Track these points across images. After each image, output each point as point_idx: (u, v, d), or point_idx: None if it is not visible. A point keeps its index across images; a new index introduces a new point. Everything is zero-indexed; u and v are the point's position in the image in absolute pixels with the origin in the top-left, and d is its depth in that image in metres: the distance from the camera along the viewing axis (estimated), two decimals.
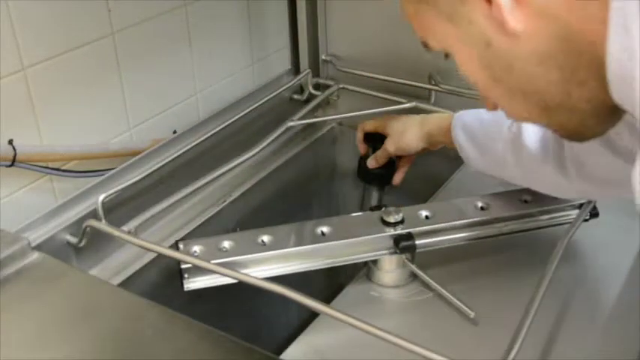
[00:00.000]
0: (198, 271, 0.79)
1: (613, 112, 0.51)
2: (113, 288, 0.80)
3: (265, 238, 0.83)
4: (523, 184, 0.87)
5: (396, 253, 0.84)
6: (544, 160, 0.79)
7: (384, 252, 0.84)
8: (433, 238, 0.86)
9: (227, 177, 1.04)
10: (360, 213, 0.91)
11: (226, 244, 0.82)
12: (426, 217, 0.86)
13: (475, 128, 0.88)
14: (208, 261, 0.77)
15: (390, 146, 1.00)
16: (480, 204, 0.88)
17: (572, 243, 0.80)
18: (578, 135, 0.55)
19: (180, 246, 0.82)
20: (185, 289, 0.80)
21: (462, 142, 0.89)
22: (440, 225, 0.86)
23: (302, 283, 0.80)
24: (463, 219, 0.86)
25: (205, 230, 1.02)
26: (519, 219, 0.88)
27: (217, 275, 0.78)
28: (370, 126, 1.04)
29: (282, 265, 0.82)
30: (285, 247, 0.82)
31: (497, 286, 0.85)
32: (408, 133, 0.97)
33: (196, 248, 0.82)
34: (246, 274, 0.75)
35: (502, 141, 0.83)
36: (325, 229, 0.85)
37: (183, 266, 0.78)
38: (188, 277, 0.79)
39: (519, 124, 0.80)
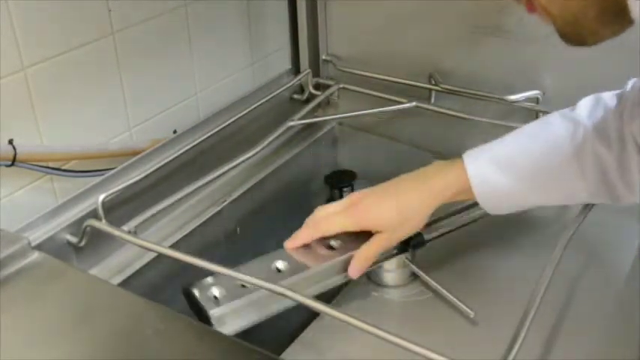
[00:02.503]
0: (227, 316, 0.73)
1: (618, 14, 0.50)
2: (113, 288, 0.80)
3: (280, 265, 0.78)
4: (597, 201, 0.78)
5: (400, 253, 0.83)
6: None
7: (392, 253, 0.84)
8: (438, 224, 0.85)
9: (227, 177, 1.04)
10: None
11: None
12: None
13: (514, 157, 0.75)
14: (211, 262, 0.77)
15: (387, 242, 0.77)
16: None
17: (572, 243, 0.80)
18: (575, 25, 0.54)
19: (196, 293, 0.73)
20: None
21: (503, 184, 0.74)
22: (441, 215, 0.85)
23: None
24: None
25: (205, 230, 1.02)
26: None
27: (247, 313, 0.74)
28: (337, 228, 0.78)
29: (303, 289, 0.76)
30: (303, 271, 0.77)
31: (498, 286, 0.85)
32: (414, 213, 0.76)
33: (216, 292, 0.74)
34: (246, 276, 0.74)
35: (572, 154, 0.74)
36: (334, 242, 0.80)
37: (213, 313, 0.71)
38: (218, 325, 0.73)
39: (583, 128, 0.73)
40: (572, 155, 0.73)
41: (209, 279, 0.75)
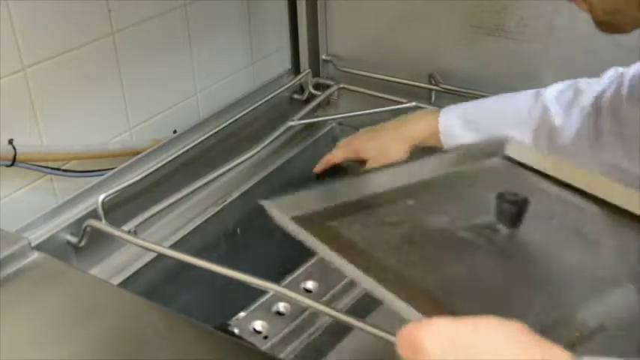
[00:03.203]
0: (276, 348, 0.72)
1: None
2: (113, 288, 0.80)
3: (309, 285, 0.78)
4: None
5: None
6: (579, 135, 0.79)
7: None
8: None
9: (227, 177, 1.04)
10: None
11: (281, 306, 0.75)
12: None
13: (478, 117, 0.88)
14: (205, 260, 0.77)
15: (367, 165, 0.93)
16: None
17: None
18: (615, 14, 0.55)
19: (237, 331, 0.74)
20: None
21: (460, 134, 0.88)
22: None
23: None
24: None
25: (205, 230, 1.02)
26: None
27: (293, 340, 0.73)
28: (340, 155, 0.99)
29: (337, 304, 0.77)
30: (332, 288, 0.78)
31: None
32: (390, 150, 0.92)
33: (256, 326, 0.74)
34: (240, 274, 0.74)
35: (526, 126, 0.83)
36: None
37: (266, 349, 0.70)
38: None
39: (542, 106, 0.82)
40: (526, 120, 0.84)
41: (242, 314, 0.74)
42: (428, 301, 0.53)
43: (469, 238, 0.61)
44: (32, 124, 0.86)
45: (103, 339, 0.66)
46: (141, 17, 0.97)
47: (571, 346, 0.48)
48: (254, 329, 0.72)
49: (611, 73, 0.81)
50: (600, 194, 0.67)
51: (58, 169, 0.90)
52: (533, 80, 1.05)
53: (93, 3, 0.90)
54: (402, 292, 0.51)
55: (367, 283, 0.51)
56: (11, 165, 0.83)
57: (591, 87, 0.81)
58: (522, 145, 0.72)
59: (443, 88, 1.14)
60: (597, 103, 0.79)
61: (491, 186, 0.70)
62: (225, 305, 1.02)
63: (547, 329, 0.51)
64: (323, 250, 0.54)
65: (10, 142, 0.83)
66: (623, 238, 0.64)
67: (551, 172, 0.69)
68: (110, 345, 0.66)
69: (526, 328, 0.45)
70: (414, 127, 0.93)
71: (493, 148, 0.73)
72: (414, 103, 1.14)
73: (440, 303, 0.53)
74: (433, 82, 1.15)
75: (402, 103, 1.16)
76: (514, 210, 0.62)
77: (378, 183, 0.66)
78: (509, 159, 0.73)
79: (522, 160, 0.71)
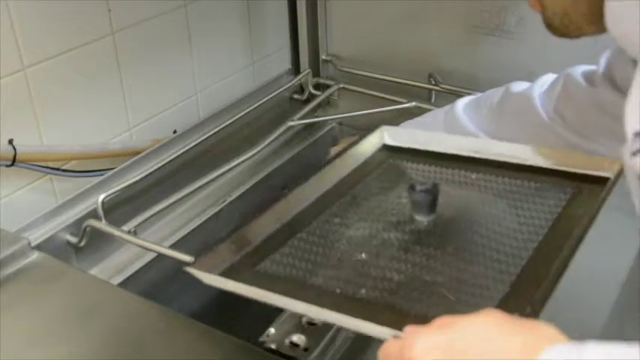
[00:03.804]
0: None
1: (602, 17, 0.54)
2: (113, 288, 0.80)
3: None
4: None
5: None
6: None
7: None
8: None
9: (227, 177, 1.04)
10: None
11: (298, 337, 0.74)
12: None
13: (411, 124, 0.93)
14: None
15: None
16: None
17: None
18: (562, 17, 0.59)
19: (274, 347, 0.72)
20: None
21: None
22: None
23: None
24: None
25: (205, 230, 1.02)
26: None
27: (331, 348, 0.73)
28: None
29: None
30: None
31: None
32: None
33: (293, 339, 0.73)
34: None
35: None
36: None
37: None
38: None
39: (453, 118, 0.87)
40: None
41: (272, 329, 0.74)
42: (387, 311, 0.53)
43: (398, 238, 0.61)
44: (32, 124, 0.86)
45: (103, 339, 0.66)
46: (141, 17, 0.97)
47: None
48: (291, 343, 0.71)
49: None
50: (491, 156, 0.72)
51: (58, 169, 0.90)
52: (532, 80, 1.05)
53: (93, 3, 0.90)
54: (360, 312, 0.50)
55: (330, 317, 0.51)
56: (11, 165, 0.83)
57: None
58: (396, 130, 0.76)
59: (443, 88, 1.14)
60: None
61: (387, 178, 0.71)
62: (225, 304, 1.01)
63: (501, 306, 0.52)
64: (269, 298, 0.54)
65: (10, 142, 0.83)
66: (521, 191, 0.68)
67: (431, 148, 0.71)
68: (110, 345, 0.66)
69: (504, 315, 0.46)
70: None
71: (376, 140, 0.76)
72: (414, 103, 1.14)
73: (399, 311, 0.53)
74: (433, 82, 1.15)
75: (402, 103, 1.16)
76: (428, 199, 0.63)
77: (288, 209, 0.66)
78: (390, 147, 0.76)
79: (400, 144, 0.75)
